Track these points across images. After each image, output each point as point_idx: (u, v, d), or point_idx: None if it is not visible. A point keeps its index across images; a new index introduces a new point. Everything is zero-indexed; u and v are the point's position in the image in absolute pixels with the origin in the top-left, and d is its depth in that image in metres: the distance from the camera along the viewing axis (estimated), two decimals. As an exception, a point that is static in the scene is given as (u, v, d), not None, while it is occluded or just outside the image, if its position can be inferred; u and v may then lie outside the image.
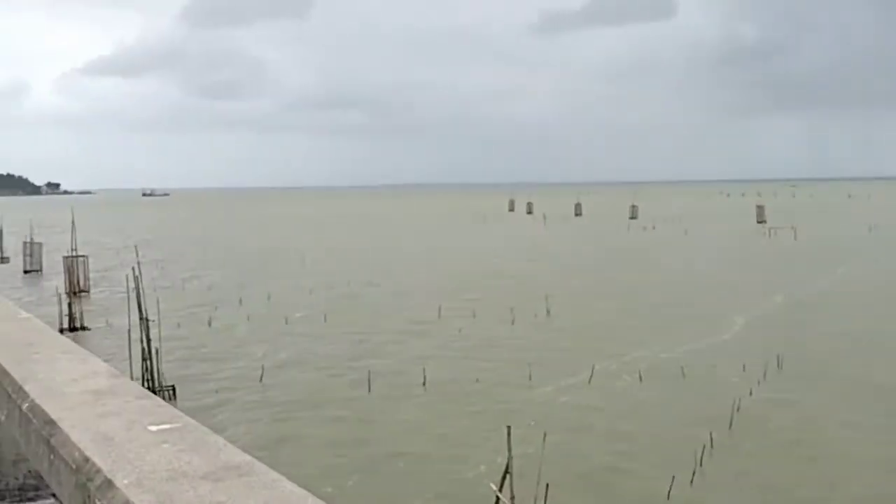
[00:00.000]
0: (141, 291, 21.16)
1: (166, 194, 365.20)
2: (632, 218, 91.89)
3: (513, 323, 28.43)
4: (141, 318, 20.52)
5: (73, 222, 37.87)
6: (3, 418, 2.26)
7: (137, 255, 22.39)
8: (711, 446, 15.23)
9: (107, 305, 32.71)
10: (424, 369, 20.14)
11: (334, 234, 78.82)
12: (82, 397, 1.92)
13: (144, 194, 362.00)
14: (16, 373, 2.20)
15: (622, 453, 15.61)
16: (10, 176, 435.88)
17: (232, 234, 77.57)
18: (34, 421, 1.86)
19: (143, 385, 19.12)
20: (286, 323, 29.11)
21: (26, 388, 2.02)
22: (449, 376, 20.86)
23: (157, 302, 22.93)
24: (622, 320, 29.06)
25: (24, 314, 3.67)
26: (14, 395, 2.06)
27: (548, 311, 29.88)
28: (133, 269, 21.45)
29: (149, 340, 20.06)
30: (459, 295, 34.60)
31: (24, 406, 1.93)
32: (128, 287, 22.28)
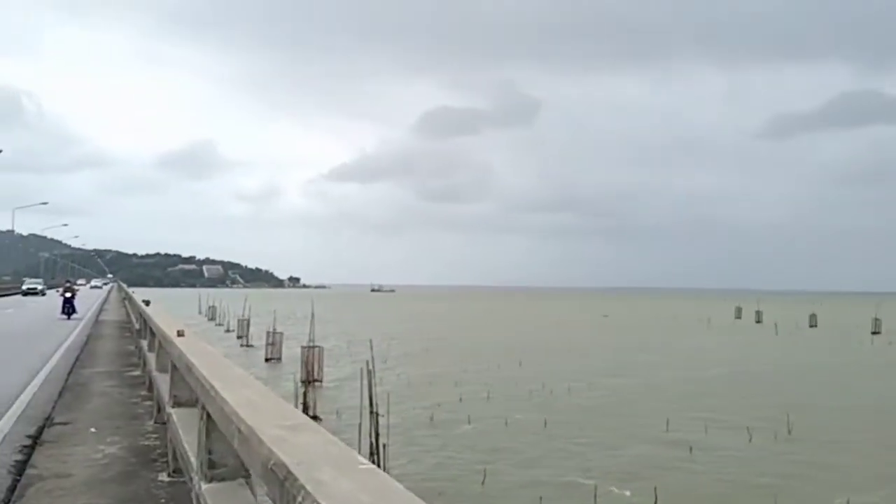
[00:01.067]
0: (372, 385, 21.96)
1: (392, 290, 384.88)
2: (874, 332, 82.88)
3: (750, 440, 26.15)
4: (371, 413, 21.18)
5: (312, 314, 40.64)
6: None
7: (371, 349, 23.39)
8: None
9: (337, 396, 34.29)
10: (656, 488, 18.86)
11: (548, 334, 78.26)
12: None
13: (373, 290, 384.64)
14: None
15: None
16: (258, 270, 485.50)
17: (453, 332, 79.56)
18: None
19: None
20: (505, 425, 28.81)
21: None
22: (683, 494, 19.38)
23: (388, 396, 23.65)
24: (874, 444, 25.78)
25: (333, 439, 3.06)
26: None
27: (789, 430, 27.25)
28: (367, 362, 22.40)
29: (377, 435, 20.57)
30: (686, 405, 32.65)
31: None
32: (361, 381, 23.24)
